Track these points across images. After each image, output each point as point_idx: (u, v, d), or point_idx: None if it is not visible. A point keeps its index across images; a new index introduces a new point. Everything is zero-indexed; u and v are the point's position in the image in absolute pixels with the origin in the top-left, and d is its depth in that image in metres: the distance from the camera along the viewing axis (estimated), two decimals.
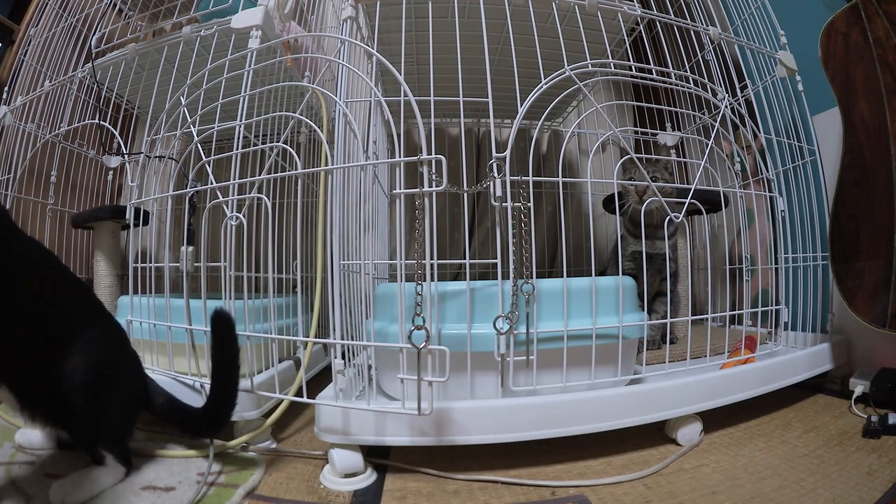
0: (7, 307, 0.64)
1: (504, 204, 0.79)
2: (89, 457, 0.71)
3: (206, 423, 0.79)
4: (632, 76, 1.00)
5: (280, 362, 1.01)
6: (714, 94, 1.09)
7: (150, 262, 1.01)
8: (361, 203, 0.91)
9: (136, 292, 1.01)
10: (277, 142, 0.88)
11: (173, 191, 1.25)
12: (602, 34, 0.94)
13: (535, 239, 0.79)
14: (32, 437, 0.82)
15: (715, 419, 0.94)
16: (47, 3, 1.56)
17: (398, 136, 0.80)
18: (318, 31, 1.47)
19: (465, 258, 0.84)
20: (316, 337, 0.99)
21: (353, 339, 0.85)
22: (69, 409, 0.67)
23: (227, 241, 0.86)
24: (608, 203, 1.48)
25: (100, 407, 0.70)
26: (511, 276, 0.79)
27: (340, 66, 0.89)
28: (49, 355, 0.67)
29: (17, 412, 0.69)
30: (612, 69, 1.07)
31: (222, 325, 0.74)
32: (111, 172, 1.72)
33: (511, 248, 0.79)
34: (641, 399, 0.84)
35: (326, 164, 0.88)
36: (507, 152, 0.79)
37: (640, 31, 1.10)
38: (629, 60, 0.97)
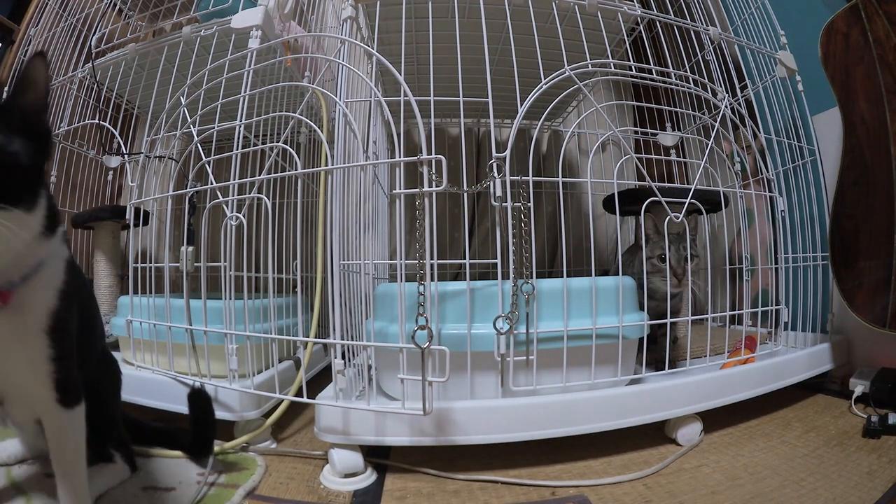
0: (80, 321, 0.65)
1: (504, 204, 0.79)
2: (97, 457, 0.71)
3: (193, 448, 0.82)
4: (632, 76, 1.00)
5: (280, 362, 1.01)
6: (714, 94, 1.09)
7: (150, 262, 1.01)
8: (361, 203, 0.91)
9: (136, 292, 1.02)
10: (277, 142, 0.88)
11: (173, 191, 1.25)
12: (602, 34, 0.94)
13: (535, 239, 0.79)
14: (10, 448, 0.77)
15: (715, 419, 0.94)
16: (47, 3, 1.56)
17: (398, 136, 0.80)
18: (318, 31, 1.47)
19: (465, 258, 0.84)
20: (316, 337, 0.99)
21: (353, 339, 0.85)
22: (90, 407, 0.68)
23: (227, 241, 0.86)
24: (608, 203, 1.48)
25: (113, 405, 0.73)
26: (511, 276, 0.79)
27: (340, 66, 0.89)
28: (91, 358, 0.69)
29: None
30: (612, 69, 1.07)
31: (201, 399, 0.79)
32: (111, 172, 1.71)
33: (511, 248, 0.79)
34: (641, 399, 0.84)
35: (326, 164, 0.88)
36: (507, 152, 0.79)
37: (640, 31, 1.10)
38: (629, 60, 0.97)
